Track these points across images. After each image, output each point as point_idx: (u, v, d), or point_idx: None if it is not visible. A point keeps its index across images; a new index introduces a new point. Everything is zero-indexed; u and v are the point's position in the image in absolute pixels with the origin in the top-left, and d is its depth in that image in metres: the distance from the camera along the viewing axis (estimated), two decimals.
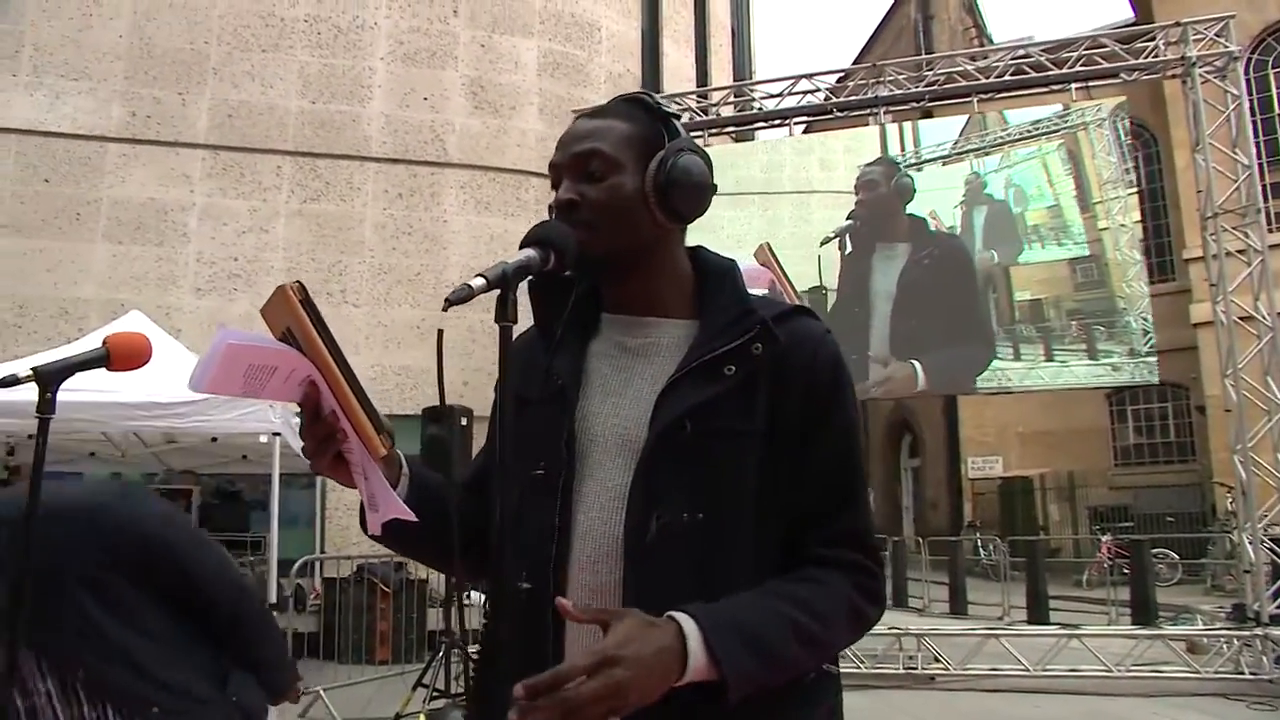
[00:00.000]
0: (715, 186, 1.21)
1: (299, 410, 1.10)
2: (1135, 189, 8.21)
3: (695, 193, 1.17)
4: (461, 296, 0.97)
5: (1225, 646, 7.22)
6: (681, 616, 0.99)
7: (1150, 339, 7.52)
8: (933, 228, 8.16)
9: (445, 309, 0.98)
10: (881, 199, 8.31)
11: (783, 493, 1.12)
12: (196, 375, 1.04)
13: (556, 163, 1.20)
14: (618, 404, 1.18)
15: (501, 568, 1.01)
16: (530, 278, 1.09)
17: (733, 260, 1.27)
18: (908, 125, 8.71)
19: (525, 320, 1.26)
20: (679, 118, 1.23)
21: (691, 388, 1.12)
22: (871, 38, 28.21)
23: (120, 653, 1.70)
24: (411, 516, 1.10)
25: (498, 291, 1.00)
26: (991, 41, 21.06)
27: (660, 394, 1.14)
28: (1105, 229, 7.76)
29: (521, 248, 1.08)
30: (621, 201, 1.16)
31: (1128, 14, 18.23)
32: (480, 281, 0.98)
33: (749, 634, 1.01)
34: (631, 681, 0.91)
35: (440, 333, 1.03)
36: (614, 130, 1.18)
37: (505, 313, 1.01)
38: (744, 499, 1.11)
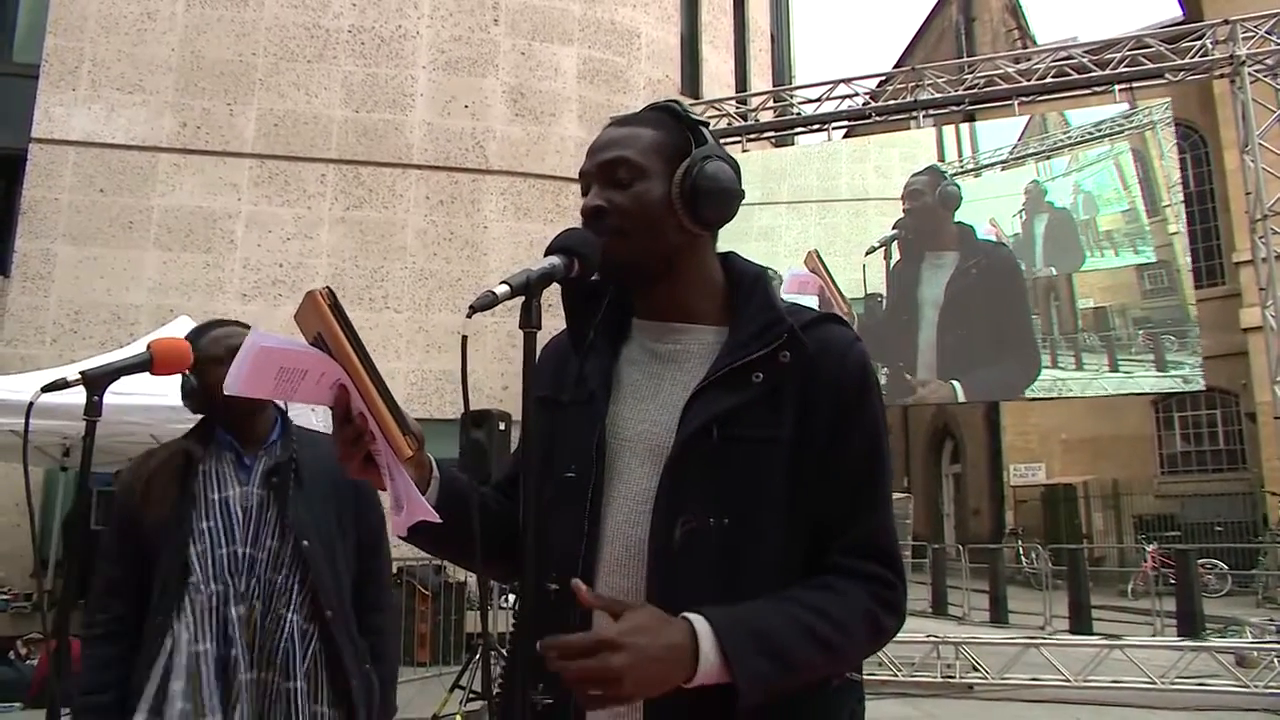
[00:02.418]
0: (743, 193, 1.21)
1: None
2: (1182, 193, 7.95)
3: (722, 199, 1.18)
4: (485, 303, 0.99)
5: (1276, 660, 7.05)
6: (695, 617, 1.00)
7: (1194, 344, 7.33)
8: (989, 235, 7.96)
9: (469, 315, 1.00)
10: (927, 209, 8.18)
11: (807, 499, 1.13)
12: (230, 376, 1.09)
13: (586, 170, 1.22)
14: (647, 409, 1.19)
15: (527, 570, 1.03)
16: (559, 284, 1.12)
17: (763, 267, 1.28)
18: (965, 129, 8.51)
19: (557, 324, 1.30)
20: (708, 125, 1.24)
21: (719, 395, 1.13)
22: (913, 40, 27.98)
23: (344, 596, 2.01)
24: (435, 519, 1.12)
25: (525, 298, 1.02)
26: (1035, 43, 20.75)
27: (688, 400, 1.15)
28: (1175, 234, 7.46)
29: (546, 255, 1.10)
30: (648, 208, 1.17)
31: (1175, 13, 17.87)
32: (504, 288, 1.01)
33: (764, 638, 1.01)
34: (627, 670, 0.92)
35: (464, 339, 1.05)
36: (641, 137, 1.20)
37: (530, 319, 1.04)
38: (769, 505, 1.12)
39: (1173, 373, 7.37)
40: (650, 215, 1.17)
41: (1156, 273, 7.50)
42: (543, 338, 1.12)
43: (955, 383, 7.79)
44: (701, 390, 1.15)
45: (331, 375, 1.09)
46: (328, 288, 1.08)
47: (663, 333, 1.24)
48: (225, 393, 1.08)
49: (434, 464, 1.21)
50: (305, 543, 1.91)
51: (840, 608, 1.08)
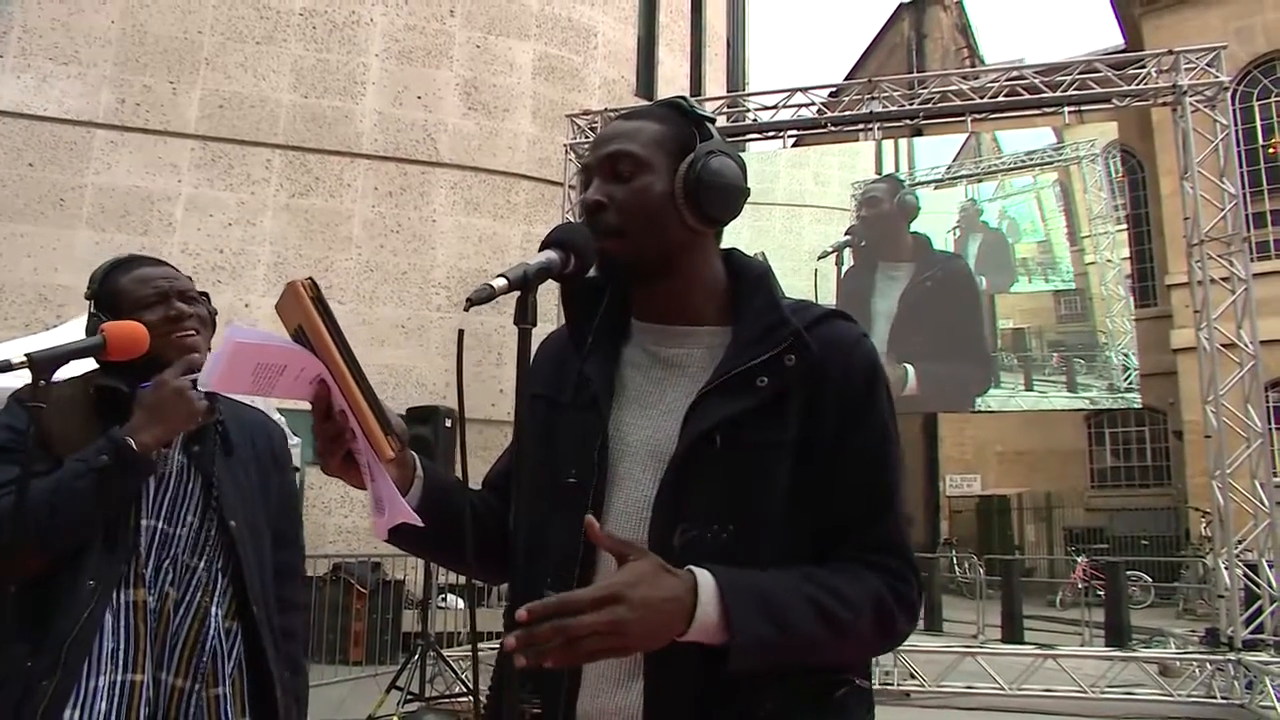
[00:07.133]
0: (748, 190, 1.18)
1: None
2: (1124, 226, 8.27)
3: (726, 195, 1.15)
4: (483, 296, 0.96)
5: (1198, 670, 7.27)
6: (700, 571, 0.98)
7: (1130, 375, 7.61)
8: (937, 247, 8.16)
9: (466, 309, 0.97)
10: (884, 216, 8.28)
11: (814, 504, 1.09)
12: (205, 372, 1.04)
13: (588, 164, 1.19)
14: (650, 416, 1.16)
15: (519, 574, 0.99)
16: (557, 281, 1.08)
17: (767, 265, 1.25)
18: (903, 144, 8.70)
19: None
20: (714, 120, 1.21)
21: (722, 401, 1.10)
22: (864, 54, 28.36)
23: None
24: (417, 522, 1.08)
25: (490, 297, 0.98)
26: (983, 63, 21.23)
27: (690, 407, 1.11)
28: (1092, 263, 7.84)
29: (541, 249, 1.07)
30: (650, 203, 1.13)
31: (1118, 41, 18.43)
32: (502, 282, 0.97)
33: (767, 601, 0.99)
34: (633, 623, 0.90)
35: (460, 334, 1.01)
36: (645, 131, 1.16)
37: (525, 315, 0.99)
38: (773, 513, 1.08)
39: (1081, 394, 7.76)
40: (651, 211, 1.13)
41: (1072, 299, 7.86)
42: (505, 337, 1.06)
43: (909, 366, 7.90)
44: (703, 396, 1.11)
45: (311, 370, 1.03)
46: (310, 278, 1.02)
47: (665, 336, 1.20)
48: (199, 389, 1.01)
49: (418, 463, 1.16)
50: (232, 524, 1.62)
51: (850, 586, 1.05)
